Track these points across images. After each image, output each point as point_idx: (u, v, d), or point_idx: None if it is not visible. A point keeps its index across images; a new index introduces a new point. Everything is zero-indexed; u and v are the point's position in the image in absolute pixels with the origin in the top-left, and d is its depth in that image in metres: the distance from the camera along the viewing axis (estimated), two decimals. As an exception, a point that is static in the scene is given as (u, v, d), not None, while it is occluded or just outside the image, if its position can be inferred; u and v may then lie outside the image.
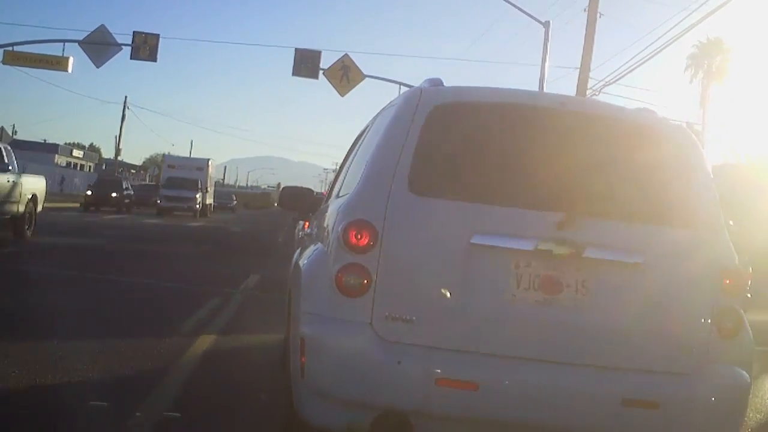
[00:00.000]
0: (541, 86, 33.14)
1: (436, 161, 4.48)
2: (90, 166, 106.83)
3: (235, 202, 75.38)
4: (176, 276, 14.97)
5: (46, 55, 37.12)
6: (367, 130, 5.83)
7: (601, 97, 32.26)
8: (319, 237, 5.23)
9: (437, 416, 4.13)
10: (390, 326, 4.18)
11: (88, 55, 36.71)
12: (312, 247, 5.31)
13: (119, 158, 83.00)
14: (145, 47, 37.09)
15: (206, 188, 52.94)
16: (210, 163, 57.20)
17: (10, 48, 36.99)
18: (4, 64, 36.81)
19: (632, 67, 31.36)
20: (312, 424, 4.37)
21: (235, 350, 8.66)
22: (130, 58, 37.34)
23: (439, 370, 4.08)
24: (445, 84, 4.93)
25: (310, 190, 7.63)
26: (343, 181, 5.75)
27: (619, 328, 4.30)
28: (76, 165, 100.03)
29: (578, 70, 31.00)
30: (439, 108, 4.57)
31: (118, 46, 37.05)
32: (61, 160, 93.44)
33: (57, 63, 36.70)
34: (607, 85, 31.82)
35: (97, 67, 37.12)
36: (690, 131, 5.08)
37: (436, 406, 4.08)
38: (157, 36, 37.49)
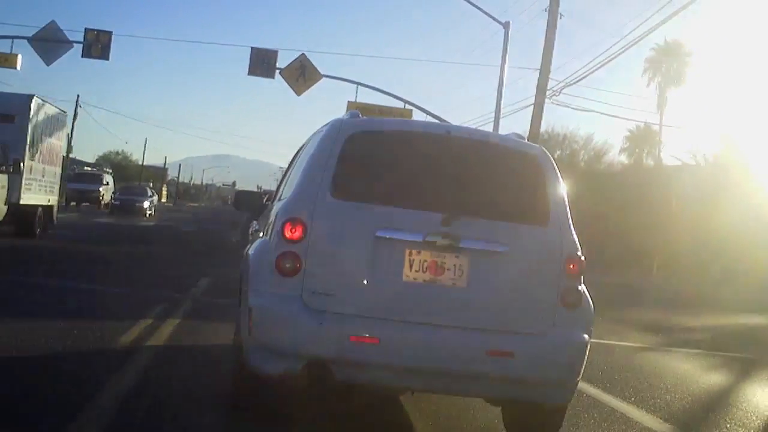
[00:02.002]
0: (500, 87, 33.68)
1: (352, 173, 5.75)
2: None
3: (150, 200, 53.01)
4: (121, 280, 14.64)
5: None
6: (303, 147, 7.16)
7: (562, 98, 32.53)
8: (264, 231, 6.41)
9: (350, 363, 5.43)
10: (315, 298, 5.45)
11: (37, 53, 35.73)
12: (258, 240, 6.48)
13: (72, 155, 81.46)
14: (97, 45, 36.06)
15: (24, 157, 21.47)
16: (39, 105, 22.98)
17: (-48, 44, 35.76)
18: None
19: (592, 69, 31.71)
20: (258, 372, 5.59)
21: (175, 372, 7.80)
22: (82, 56, 36.37)
23: (351, 329, 5.39)
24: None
25: (259, 194, 9.33)
26: (284, 187, 7.11)
27: (486, 300, 5.63)
28: None
29: (538, 71, 31.16)
30: (355, 134, 5.89)
31: (69, 44, 36.07)
32: None
33: (5, 60, 35.39)
34: (568, 86, 32.03)
35: (48, 65, 36.49)
36: (545, 150, 6.27)
37: (349, 355, 5.40)
38: (110, 33, 36.50)
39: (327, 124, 6.29)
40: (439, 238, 5.51)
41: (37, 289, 12.40)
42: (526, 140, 6.62)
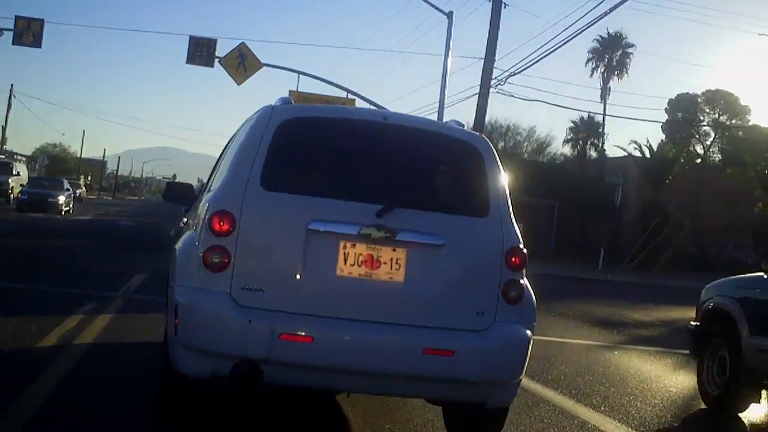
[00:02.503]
0: (444, 76, 33.62)
1: (284, 163, 5.48)
2: None
3: (66, 194, 42.90)
4: (49, 276, 13.98)
5: None
6: (234, 136, 6.78)
7: (507, 87, 32.49)
8: (193, 225, 6.12)
9: (282, 363, 5.07)
10: (245, 295, 5.15)
11: None
12: (186, 233, 6.15)
13: (5, 147, 79.71)
14: (28, 32, 35.50)
15: None
16: None
17: None
18: None
19: (537, 59, 31.72)
20: (184, 374, 5.26)
21: (98, 374, 7.37)
22: (13, 44, 35.82)
23: (282, 327, 5.05)
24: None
25: (190, 186, 8.67)
26: (213, 178, 6.77)
27: (424, 296, 5.37)
28: None
29: (483, 60, 31.04)
30: (286, 122, 5.58)
31: None
32: None
33: None
34: (512, 75, 31.90)
35: None
36: (486, 138, 6.06)
37: (280, 355, 5.04)
38: (41, 21, 35.92)
39: (258, 111, 5.98)
40: (374, 231, 5.26)
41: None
42: (466, 128, 6.31)
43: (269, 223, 5.34)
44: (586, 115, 67.89)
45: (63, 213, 40.11)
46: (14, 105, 74.36)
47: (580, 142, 69.87)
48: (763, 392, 8.55)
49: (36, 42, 35.65)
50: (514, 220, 5.72)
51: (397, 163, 5.75)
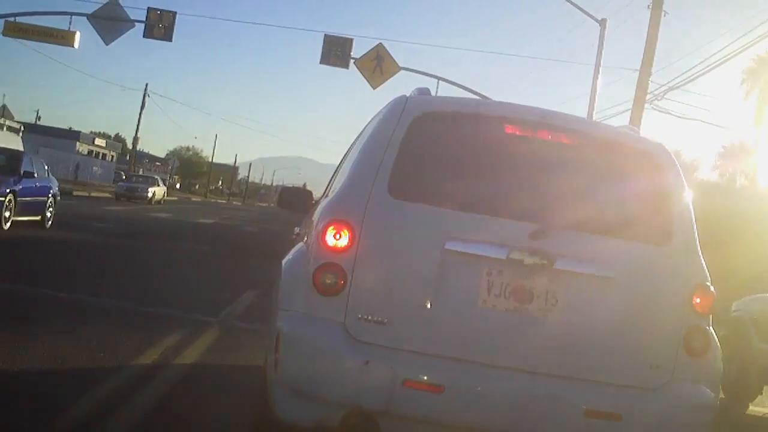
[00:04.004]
0: (593, 86, 31.25)
1: (417, 166, 4.68)
2: (112, 156, 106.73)
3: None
4: (143, 291, 11.36)
5: (50, 28, 34.89)
6: (361, 134, 5.92)
7: (663, 103, 29.70)
8: (304, 236, 5.35)
9: (403, 417, 4.25)
10: (362, 326, 4.34)
11: (96, 31, 34.12)
12: (296, 247, 5.34)
13: (140, 149, 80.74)
14: (159, 25, 34.45)
15: None
16: None
17: (11, 18, 34.38)
18: (4, 35, 34.51)
19: (697, 74, 28.51)
20: (283, 420, 4.45)
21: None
22: (143, 36, 34.62)
23: (406, 372, 4.22)
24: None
25: (309, 192, 7.43)
26: (332, 183, 6.12)
27: (585, 341, 4.48)
28: (98, 154, 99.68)
29: (637, 72, 28.19)
30: (423, 116, 4.77)
31: (131, 23, 34.32)
32: (82, 147, 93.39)
33: (62, 37, 34.32)
34: (670, 90, 29.00)
35: (107, 44, 35.05)
36: (668, 149, 5.14)
37: (401, 407, 4.21)
38: (173, 13, 34.73)
39: (389, 102, 5.13)
40: (527, 256, 4.45)
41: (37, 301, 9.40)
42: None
43: (396, 238, 4.53)
44: (737, 140, 62.81)
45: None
46: (147, 104, 73.93)
47: (730, 169, 64.89)
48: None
49: (167, 35, 34.57)
50: (700, 251, 4.82)
51: (556, 174, 4.85)
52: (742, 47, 24.66)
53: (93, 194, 49.75)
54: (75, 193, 45.97)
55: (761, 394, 10.30)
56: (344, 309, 4.35)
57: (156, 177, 54.51)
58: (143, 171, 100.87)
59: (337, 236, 4.42)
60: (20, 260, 13.82)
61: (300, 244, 5.22)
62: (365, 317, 4.35)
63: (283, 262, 5.13)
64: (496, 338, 4.43)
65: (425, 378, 4.25)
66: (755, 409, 10.15)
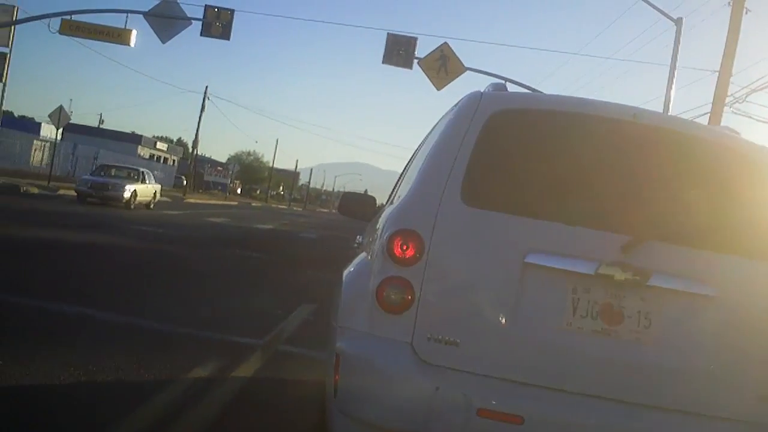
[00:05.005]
0: (668, 89, 30.03)
1: (493, 170, 4.24)
2: (174, 160, 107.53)
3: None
4: (176, 307, 9.87)
5: (106, 26, 34.66)
6: (430, 134, 5.45)
7: (743, 107, 27.95)
8: (367, 247, 4.91)
9: None
10: (432, 348, 3.93)
11: (153, 29, 33.63)
12: (358, 258, 4.93)
13: (201, 153, 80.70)
14: (217, 23, 33.83)
15: None
16: None
17: (68, 17, 33.69)
18: (60, 33, 34.02)
19: None
20: None
21: None
22: (201, 35, 34.05)
23: (481, 400, 3.81)
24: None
25: (372, 199, 6.81)
26: (398, 188, 5.72)
27: (683, 369, 4.00)
28: (159, 158, 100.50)
29: (716, 73, 26.58)
30: (499, 114, 4.34)
31: (188, 21, 33.73)
32: (144, 152, 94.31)
33: (118, 35, 34.11)
34: (753, 92, 26.84)
35: (163, 43, 34.43)
36: None
37: None
38: (232, 11, 33.99)
39: (461, 99, 4.62)
40: (618, 271, 3.91)
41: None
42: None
43: (470, 250, 4.01)
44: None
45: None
46: (207, 107, 73.41)
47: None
48: None
49: (225, 34, 33.82)
50: None
51: (652, 180, 4.24)
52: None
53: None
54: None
55: None
56: (412, 328, 3.94)
57: (141, 170, 38.96)
58: (206, 175, 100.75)
59: (404, 247, 4.00)
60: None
61: (362, 255, 4.82)
62: (435, 337, 3.93)
63: (344, 274, 4.72)
64: (583, 364, 3.96)
65: (503, 407, 3.82)
66: None
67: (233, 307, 10.63)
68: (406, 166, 6.19)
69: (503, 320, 3.93)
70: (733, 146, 4.53)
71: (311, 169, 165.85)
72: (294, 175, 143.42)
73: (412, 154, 6.38)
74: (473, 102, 4.40)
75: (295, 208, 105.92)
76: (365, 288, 4.08)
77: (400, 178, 6.22)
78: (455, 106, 4.68)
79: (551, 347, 3.95)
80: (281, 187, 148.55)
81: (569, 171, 4.26)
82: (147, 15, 33.14)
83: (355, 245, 6.14)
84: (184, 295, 11.24)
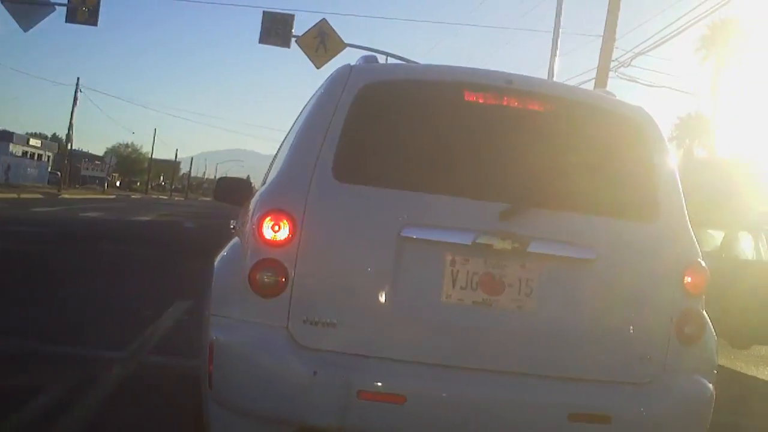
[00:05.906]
0: (552, 55, 28.38)
1: (366, 145, 4.20)
2: (48, 156, 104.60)
3: None
4: (21, 317, 8.77)
5: None
6: (302, 111, 5.27)
7: (629, 71, 28.25)
8: (239, 231, 4.93)
9: None
10: (308, 331, 3.87)
11: (13, 17, 31.31)
12: (230, 243, 4.84)
13: (78, 147, 78.12)
14: (83, 8, 31.76)
15: None
16: None
17: None
18: None
19: (664, 39, 26.90)
20: None
21: None
22: (66, 21, 31.78)
23: (361, 381, 3.79)
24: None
25: (246, 181, 6.42)
26: (271, 168, 5.63)
27: (566, 334, 4.06)
28: (33, 155, 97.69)
29: (600, 38, 26.38)
30: (370, 86, 4.27)
31: (51, 6, 31.56)
32: (16, 149, 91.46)
33: None
34: (638, 55, 27.12)
35: (25, 31, 32.29)
36: (650, 114, 4.63)
37: (358, 422, 3.79)
38: None
39: (330, 74, 4.51)
40: (496, 240, 3.93)
41: None
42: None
43: (345, 228, 3.99)
44: (693, 112, 61.46)
45: None
46: (80, 100, 71.19)
47: (687, 140, 63.64)
48: None
49: (92, 19, 31.76)
50: (690, 227, 4.37)
51: (527, 146, 4.26)
52: (709, 10, 23.03)
53: (22, 196, 47.56)
54: (1, 195, 44.03)
55: None
56: (287, 311, 3.87)
57: None
58: (84, 170, 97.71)
59: (276, 228, 3.93)
60: None
61: (235, 240, 4.78)
62: (311, 320, 3.88)
63: (216, 260, 4.59)
64: (464, 337, 3.98)
65: (383, 387, 3.80)
66: None
67: (93, 312, 9.59)
68: (280, 147, 6.08)
69: (381, 298, 3.89)
70: (609, 108, 4.54)
71: (192, 158, 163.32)
72: (174, 164, 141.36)
73: (286, 133, 6.19)
74: (343, 76, 4.32)
75: (176, 198, 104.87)
76: (237, 273, 3.98)
77: (273, 159, 6.10)
78: (325, 81, 4.58)
79: (431, 322, 3.92)
80: (161, 178, 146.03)
81: (443, 141, 4.23)
82: (5, 1, 31.00)
83: (231, 230, 6.09)
84: (31, 301, 10.05)
